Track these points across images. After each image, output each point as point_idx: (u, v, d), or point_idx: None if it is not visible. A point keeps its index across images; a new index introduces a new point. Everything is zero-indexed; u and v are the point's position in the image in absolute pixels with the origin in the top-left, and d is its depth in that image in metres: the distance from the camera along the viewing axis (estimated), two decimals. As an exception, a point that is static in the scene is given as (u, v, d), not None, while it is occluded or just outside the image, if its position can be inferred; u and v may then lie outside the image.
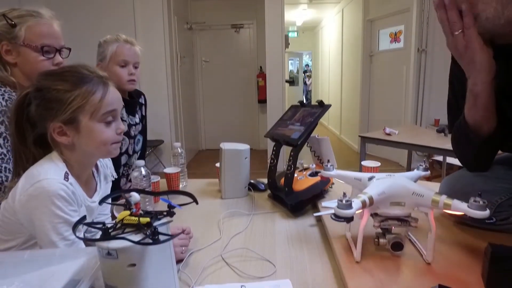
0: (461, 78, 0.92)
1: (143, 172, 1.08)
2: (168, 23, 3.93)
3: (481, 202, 0.64)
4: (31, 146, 0.79)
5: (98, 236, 0.53)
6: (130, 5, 3.84)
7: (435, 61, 3.63)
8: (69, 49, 1.19)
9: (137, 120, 1.51)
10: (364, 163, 1.26)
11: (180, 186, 1.34)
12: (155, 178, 1.22)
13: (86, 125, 0.75)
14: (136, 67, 1.42)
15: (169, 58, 3.98)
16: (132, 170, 1.48)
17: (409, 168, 3.16)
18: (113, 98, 0.79)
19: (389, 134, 2.57)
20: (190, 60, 4.99)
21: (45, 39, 1.10)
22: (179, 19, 4.32)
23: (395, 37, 4.24)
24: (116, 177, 0.98)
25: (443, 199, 0.68)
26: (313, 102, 1.18)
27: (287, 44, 4.20)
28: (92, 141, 0.77)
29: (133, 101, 1.49)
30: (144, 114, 1.59)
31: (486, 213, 0.64)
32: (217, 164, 1.32)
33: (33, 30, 1.09)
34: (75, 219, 0.72)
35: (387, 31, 4.35)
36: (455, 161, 2.46)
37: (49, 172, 0.72)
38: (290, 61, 10.32)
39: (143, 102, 1.60)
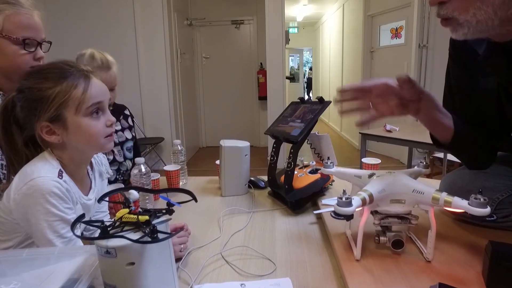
0: (456, 75, 0.91)
1: (143, 170, 1.08)
2: (168, 19, 3.91)
3: (481, 199, 0.63)
4: (23, 149, 0.77)
5: (96, 235, 0.53)
6: (130, 1, 3.82)
7: (436, 57, 3.60)
8: (50, 43, 1.09)
9: (118, 127, 1.48)
10: (364, 160, 1.26)
11: (180, 183, 1.34)
12: (155, 176, 1.22)
13: (72, 121, 0.73)
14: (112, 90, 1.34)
15: (169, 54, 3.95)
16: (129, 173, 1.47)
17: (409, 165, 3.15)
18: (97, 90, 0.76)
19: (389, 131, 2.56)
20: (190, 57, 4.97)
21: (26, 31, 0.98)
22: (179, 15, 4.30)
23: (396, 33, 4.21)
24: (112, 174, 0.97)
25: (444, 196, 0.68)
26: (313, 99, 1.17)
27: (287, 40, 4.17)
28: (81, 137, 0.75)
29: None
30: (132, 124, 1.55)
31: (486, 210, 0.63)
32: (217, 162, 1.31)
33: (13, 20, 0.96)
34: (71, 216, 0.72)
35: (388, 26, 4.33)
36: (455, 158, 2.45)
37: (43, 170, 0.71)
38: (290, 58, 10.28)
39: (128, 113, 1.56)
